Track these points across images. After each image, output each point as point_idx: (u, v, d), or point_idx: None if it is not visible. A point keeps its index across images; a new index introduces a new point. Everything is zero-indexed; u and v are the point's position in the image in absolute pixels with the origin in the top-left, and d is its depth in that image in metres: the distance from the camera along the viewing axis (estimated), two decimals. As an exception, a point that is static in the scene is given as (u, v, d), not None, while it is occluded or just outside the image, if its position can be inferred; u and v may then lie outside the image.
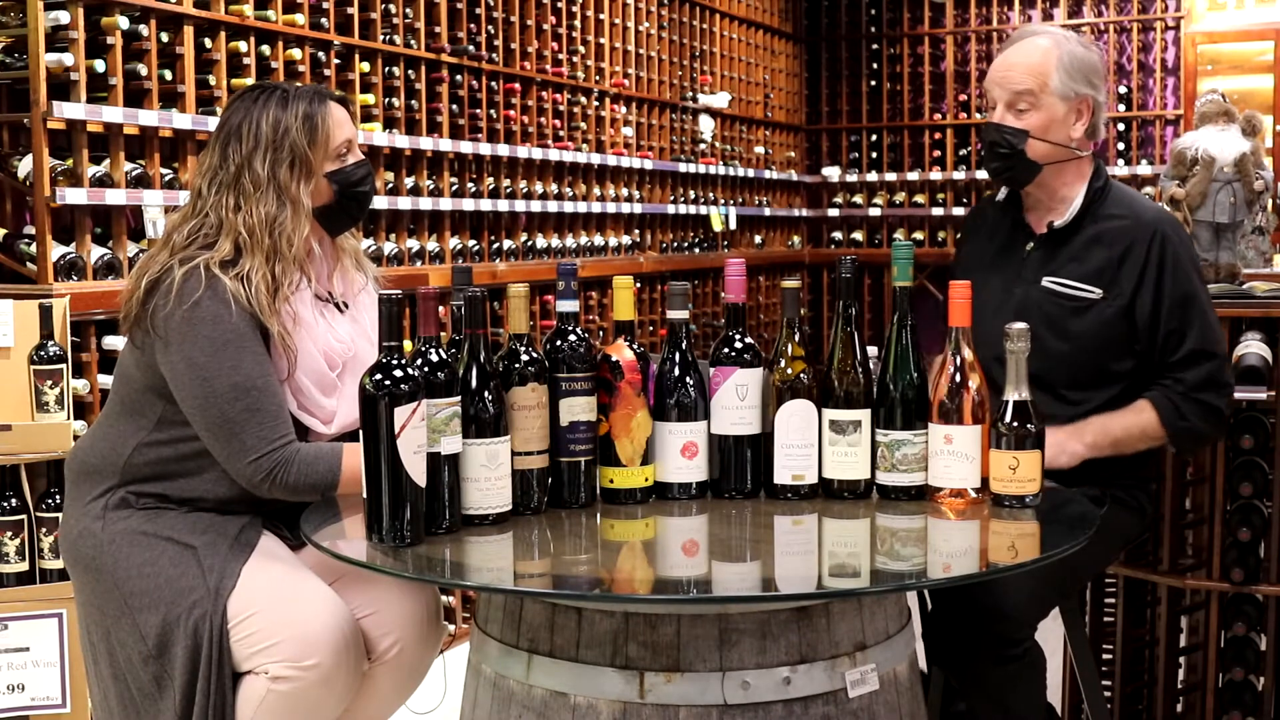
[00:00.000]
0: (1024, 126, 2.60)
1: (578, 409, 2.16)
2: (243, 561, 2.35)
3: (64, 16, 3.42)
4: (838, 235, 8.29)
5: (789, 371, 2.22)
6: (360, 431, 1.98)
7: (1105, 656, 3.26)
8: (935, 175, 7.94)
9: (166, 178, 3.70)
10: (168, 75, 3.74)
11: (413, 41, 4.68)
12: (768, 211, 7.69)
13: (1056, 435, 2.45)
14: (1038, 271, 2.65)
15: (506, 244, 5.21)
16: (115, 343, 3.43)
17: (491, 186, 5.12)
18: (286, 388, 2.35)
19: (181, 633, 2.32)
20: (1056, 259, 2.64)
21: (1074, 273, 2.62)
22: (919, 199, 8.00)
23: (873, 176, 8.20)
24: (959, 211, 7.81)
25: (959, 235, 2.94)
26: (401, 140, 4.56)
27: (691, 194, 6.78)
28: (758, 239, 7.61)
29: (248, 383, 2.27)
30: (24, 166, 3.45)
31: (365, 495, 1.98)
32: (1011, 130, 2.61)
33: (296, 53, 4.16)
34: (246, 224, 2.33)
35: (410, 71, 4.70)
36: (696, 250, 6.79)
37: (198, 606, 2.32)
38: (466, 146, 4.90)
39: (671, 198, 6.57)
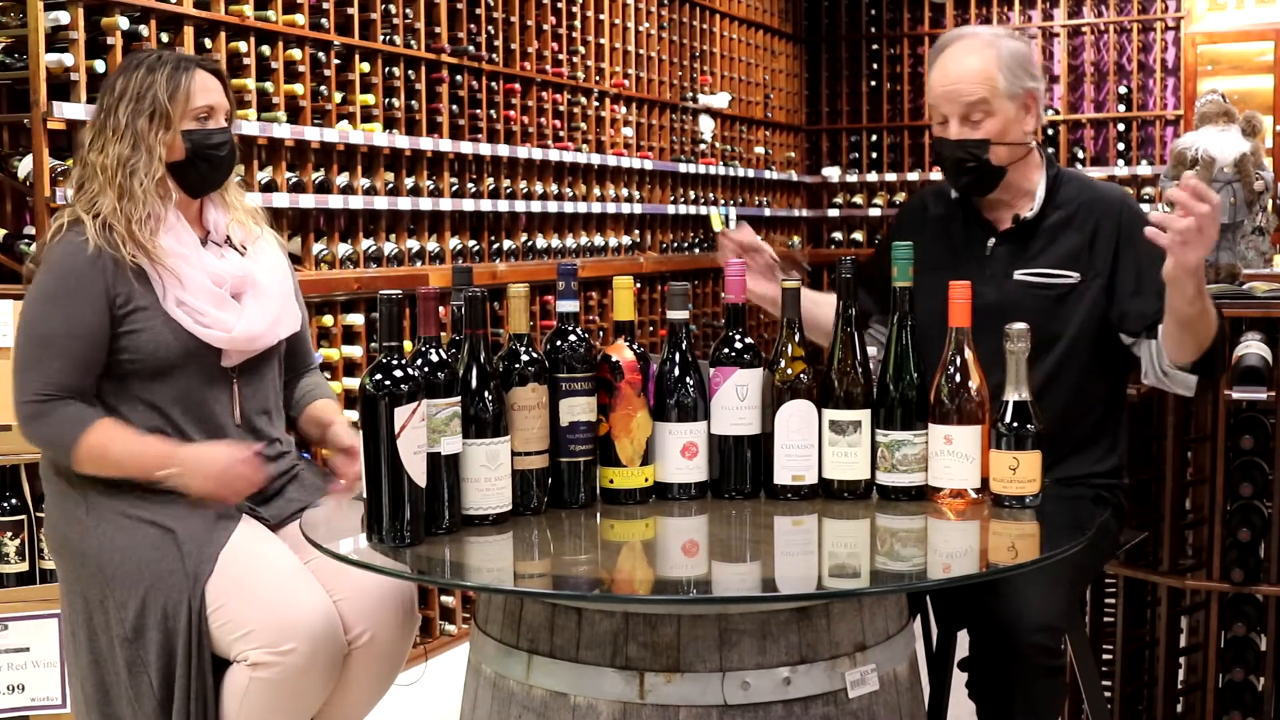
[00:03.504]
0: (983, 135, 2.57)
1: (578, 409, 2.16)
2: (220, 546, 2.39)
3: (64, 16, 3.42)
4: (838, 235, 8.29)
5: (789, 371, 2.22)
6: (360, 428, 1.99)
7: (1105, 656, 3.26)
8: (935, 175, 7.93)
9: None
10: (168, 75, 3.73)
11: (413, 42, 4.68)
12: (768, 212, 7.69)
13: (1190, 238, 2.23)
14: (1007, 267, 2.61)
15: (506, 244, 5.21)
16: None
17: (491, 187, 5.12)
18: (180, 311, 2.46)
19: (156, 617, 2.35)
20: (1026, 252, 2.61)
21: (1047, 261, 2.60)
22: (919, 199, 8.00)
23: (873, 176, 8.20)
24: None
25: (889, 231, 2.84)
26: (401, 140, 4.56)
27: (691, 194, 6.78)
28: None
29: (50, 335, 2.42)
30: (24, 166, 3.45)
31: (365, 495, 1.98)
32: (974, 143, 2.57)
33: (296, 53, 4.16)
34: (103, 164, 2.50)
35: (410, 72, 4.70)
36: (696, 250, 6.79)
37: (174, 591, 2.35)
38: (466, 147, 4.90)
39: (671, 198, 6.57)
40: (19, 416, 2.46)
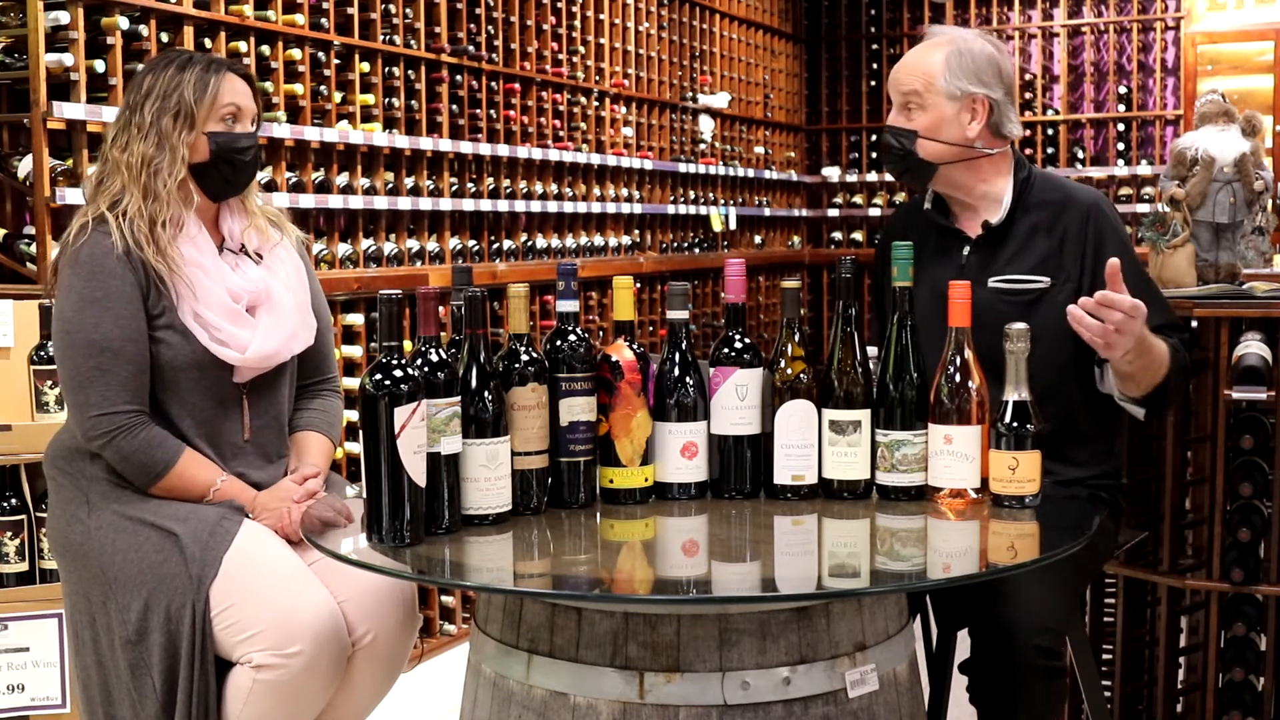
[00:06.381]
0: (913, 127, 2.60)
1: (578, 409, 2.16)
2: (224, 549, 2.37)
3: (64, 16, 3.42)
4: (838, 235, 8.29)
5: (789, 371, 2.22)
6: (361, 431, 1.99)
7: (1105, 656, 3.26)
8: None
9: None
10: (168, 75, 3.73)
11: (413, 41, 4.68)
12: (768, 211, 7.69)
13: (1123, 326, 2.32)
14: (980, 274, 2.60)
15: (506, 244, 5.21)
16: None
17: (491, 187, 5.12)
18: (196, 324, 2.44)
19: (160, 620, 2.34)
20: (998, 258, 2.62)
21: (1019, 267, 2.60)
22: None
23: (873, 176, 8.20)
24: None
25: (882, 236, 2.87)
26: (401, 140, 4.56)
27: (691, 194, 6.78)
28: (758, 239, 7.61)
29: (103, 342, 2.38)
30: (24, 166, 3.45)
31: (365, 495, 1.98)
32: (900, 131, 2.61)
33: (296, 53, 4.16)
34: (128, 161, 2.48)
35: (410, 71, 4.70)
36: (696, 250, 6.79)
37: (178, 594, 2.34)
38: (466, 147, 4.90)
39: (671, 198, 6.57)
40: (89, 433, 2.39)
